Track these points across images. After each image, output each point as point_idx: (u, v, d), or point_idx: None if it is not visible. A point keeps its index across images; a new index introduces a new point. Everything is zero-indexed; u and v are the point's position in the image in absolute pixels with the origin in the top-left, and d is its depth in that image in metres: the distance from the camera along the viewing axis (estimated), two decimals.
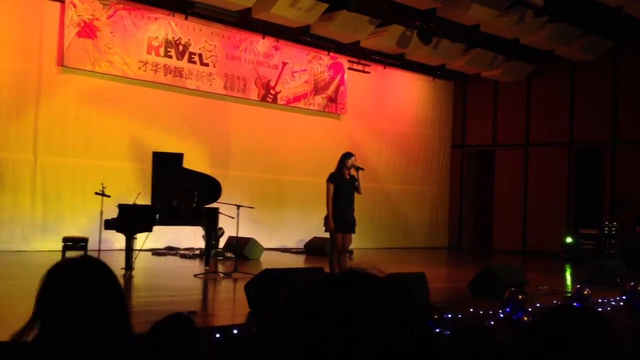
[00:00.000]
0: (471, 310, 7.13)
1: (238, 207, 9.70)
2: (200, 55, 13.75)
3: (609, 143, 16.22)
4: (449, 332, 5.60)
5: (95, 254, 8.70)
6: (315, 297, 1.04)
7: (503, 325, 6.54)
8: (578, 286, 8.14)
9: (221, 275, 9.36)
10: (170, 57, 13.34)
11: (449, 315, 6.59)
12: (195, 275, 9.31)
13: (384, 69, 16.86)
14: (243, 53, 14.43)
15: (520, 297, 6.80)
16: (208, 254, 10.12)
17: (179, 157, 10.04)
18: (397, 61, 16.27)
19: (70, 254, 8.42)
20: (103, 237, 9.45)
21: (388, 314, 1.01)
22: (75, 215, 11.99)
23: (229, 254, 12.03)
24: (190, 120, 13.68)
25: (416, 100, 18.01)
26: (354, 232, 8.46)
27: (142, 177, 11.53)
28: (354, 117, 16.35)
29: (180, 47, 13.48)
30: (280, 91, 15.06)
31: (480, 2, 12.64)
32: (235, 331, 5.51)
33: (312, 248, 13.80)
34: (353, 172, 8.39)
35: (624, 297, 8.24)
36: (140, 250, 9.41)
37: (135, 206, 9.28)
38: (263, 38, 14.72)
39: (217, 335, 5.32)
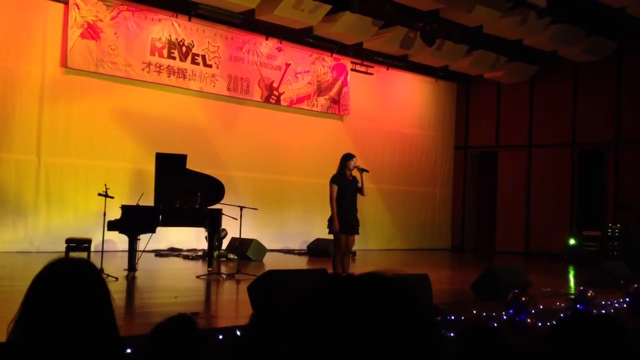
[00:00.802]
0: (474, 311, 7.12)
1: (241, 208, 9.70)
2: (203, 57, 13.76)
3: (612, 144, 16.20)
4: (452, 334, 5.59)
5: (98, 255, 8.72)
6: (324, 297, 1.04)
7: (507, 327, 6.53)
8: (581, 288, 8.11)
9: (224, 276, 9.36)
10: (174, 58, 13.35)
11: (452, 317, 6.58)
12: (198, 277, 9.31)
13: (387, 70, 16.86)
14: (246, 54, 14.44)
15: (523, 298, 6.79)
16: (211, 255, 10.13)
17: (182, 158, 10.04)
18: (400, 62, 16.27)
19: (73, 254, 8.43)
20: (106, 238, 9.45)
21: (395, 313, 1.01)
22: (78, 216, 12.00)
23: (231, 255, 12.04)
24: (194, 122, 13.69)
25: (419, 102, 18.01)
26: (357, 233, 8.46)
27: (145, 178, 11.53)
28: (357, 119, 16.35)
29: (184, 49, 13.49)
30: (284, 92, 15.07)
31: (483, 4, 12.63)
32: (238, 332, 5.51)
33: (315, 249, 13.80)
34: (354, 173, 8.39)
35: (627, 299, 8.22)
36: (143, 251, 9.42)
37: (138, 207, 9.29)
38: (266, 39, 14.73)
39: (220, 337, 5.32)
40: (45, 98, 11.94)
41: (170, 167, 9.95)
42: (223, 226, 10.69)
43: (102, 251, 8.83)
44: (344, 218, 8.19)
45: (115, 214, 9.27)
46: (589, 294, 7.78)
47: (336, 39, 14.30)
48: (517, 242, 17.30)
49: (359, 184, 8.41)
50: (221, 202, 9.98)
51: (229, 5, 12.32)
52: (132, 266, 8.95)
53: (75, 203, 12.14)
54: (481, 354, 2.81)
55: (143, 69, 12.92)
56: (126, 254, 9.08)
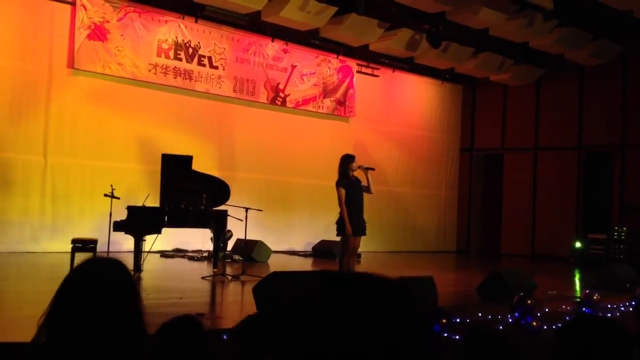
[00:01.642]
0: (480, 314, 7.11)
1: (246, 209, 9.71)
2: (209, 58, 13.78)
3: (618, 147, 16.15)
4: (457, 337, 5.58)
5: (104, 256, 8.72)
6: (315, 299, 1.05)
7: (513, 330, 6.52)
8: (587, 291, 8.10)
9: (229, 277, 9.37)
10: (180, 59, 13.37)
11: (458, 320, 6.57)
12: (203, 278, 9.32)
13: (393, 72, 16.86)
14: (252, 56, 14.46)
15: (529, 301, 6.78)
16: (216, 257, 10.14)
17: (188, 159, 10.06)
18: (406, 64, 16.26)
19: (80, 255, 8.45)
20: (112, 239, 9.48)
21: (387, 314, 1.02)
22: (84, 217, 12.03)
23: (237, 257, 12.05)
24: (200, 123, 13.71)
25: (425, 104, 18.00)
26: (365, 234, 8.45)
27: (151, 179, 11.55)
28: (363, 121, 16.35)
29: (190, 50, 13.52)
30: (289, 94, 15.08)
31: (490, 6, 12.62)
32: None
33: (320, 251, 13.80)
34: (357, 173, 8.37)
35: (633, 303, 8.20)
36: (148, 252, 9.44)
37: (144, 208, 9.31)
38: (272, 41, 14.75)
39: (225, 338, 5.32)
40: (52, 99, 11.97)
41: (176, 168, 9.97)
42: (228, 227, 10.71)
43: (108, 252, 8.86)
44: (353, 220, 8.17)
45: (121, 214, 9.29)
46: (595, 297, 7.77)
47: (342, 41, 14.30)
48: (522, 245, 17.26)
49: (364, 184, 8.40)
50: (226, 203, 9.99)
51: (235, 7, 12.34)
52: (137, 267, 8.96)
53: (82, 204, 12.17)
54: (490, 357, 2.80)
55: (149, 70, 12.95)
56: (132, 255, 9.09)
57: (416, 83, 17.65)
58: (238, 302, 8.11)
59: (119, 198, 9.40)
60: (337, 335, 1.00)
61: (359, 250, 8.90)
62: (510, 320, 6.77)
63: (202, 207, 9.68)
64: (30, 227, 11.73)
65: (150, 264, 9.91)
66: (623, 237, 15.04)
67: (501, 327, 6.46)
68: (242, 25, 13.66)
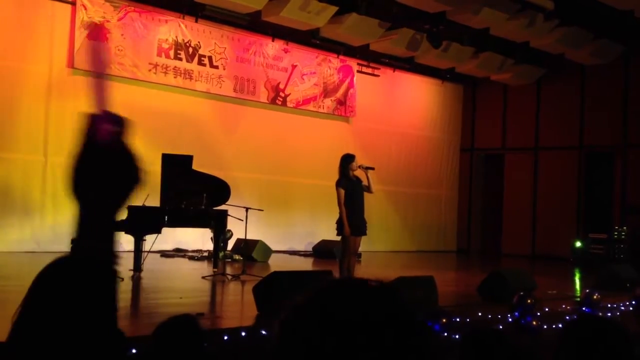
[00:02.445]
0: (480, 314, 7.11)
1: (247, 209, 9.71)
2: (210, 58, 13.78)
3: (619, 147, 16.15)
4: (457, 336, 5.58)
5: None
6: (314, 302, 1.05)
7: (513, 329, 6.51)
8: (587, 291, 8.10)
9: (229, 277, 9.36)
10: (180, 59, 13.37)
11: (458, 319, 6.57)
12: (203, 277, 9.31)
13: (394, 72, 16.85)
14: (253, 56, 14.46)
15: (529, 301, 6.77)
16: (216, 256, 10.14)
17: (188, 159, 10.05)
18: (406, 64, 16.25)
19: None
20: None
21: (379, 315, 1.02)
22: None
23: (237, 256, 12.04)
24: (200, 123, 13.70)
25: (425, 104, 18.00)
26: (365, 234, 8.44)
27: (152, 179, 11.52)
28: (363, 120, 16.34)
29: (190, 50, 13.51)
30: (290, 94, 15.08)
31: (490, 6, 12.62)
32: (243, 333, 5.51)
33: (321, 251, 13.80)
34: (357, 173, 8.36)
35: (633, 302, 8.18)
36: (149, 251, 9.43)
37: (144, 208, 9.30)
38: (273, 41, 14.75)
39: (225, 338, 5.33)
40: (52, 98, 11.96)
41: (176, 168, 9.96)
42: (229, 227, 10.70)
43: None
44: (353, 220, 8.16)
45: (121, 214, 9.27)
46: (595, 297, 7.77)
47: (342, 40, 14.29)
48: (523, 245, 17.25)
49: (365, 183, 8.39)
50: (227, 203, 9.98)
51: (235, 6, 12.34)
52: (137, 267, 8.96)
53: None
54: (490, 356, 2.79)
55: (150, 70, 12.95)
56: (132, 255, 9.08)
57: (417, 83, 17.65)
58: (238, 302, 8.11)
59: None
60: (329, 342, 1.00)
61: (360, 250, 8.90)
62: (510, 319, 6.77)
63: (203, 207, 9.67)
64: (31, 226, 11.73)
65: (151, 263, 9.90)
66: (623, 237, 15.04)
67: (501, 327, 6.46)
68: (242, 24, 13.66)
